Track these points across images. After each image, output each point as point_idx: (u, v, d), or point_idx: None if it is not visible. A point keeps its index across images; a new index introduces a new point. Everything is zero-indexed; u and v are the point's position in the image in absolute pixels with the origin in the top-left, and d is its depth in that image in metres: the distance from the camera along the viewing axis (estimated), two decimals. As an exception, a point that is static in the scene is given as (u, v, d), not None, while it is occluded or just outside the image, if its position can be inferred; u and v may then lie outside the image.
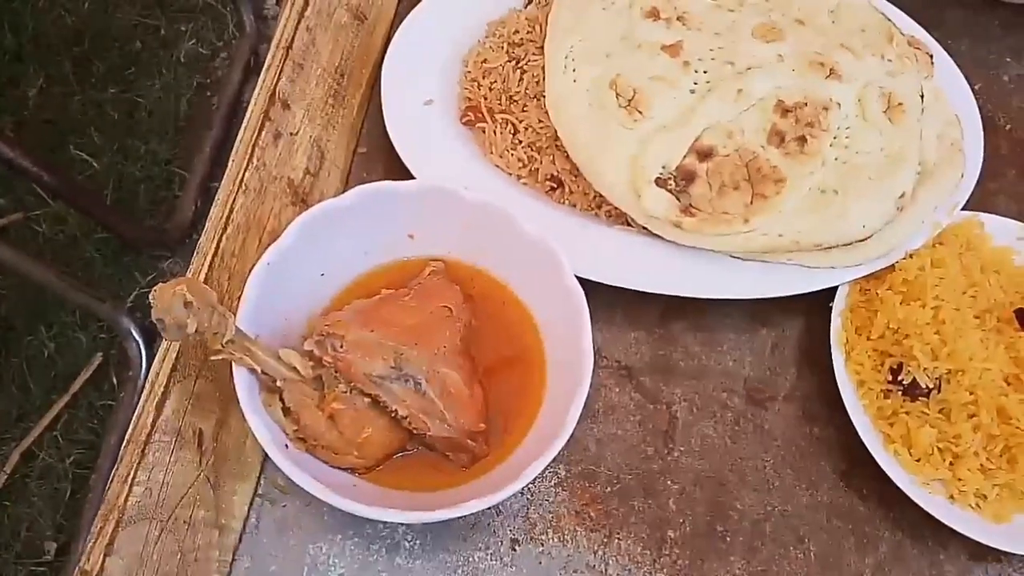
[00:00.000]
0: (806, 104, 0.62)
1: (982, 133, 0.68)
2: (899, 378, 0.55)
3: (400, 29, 0.66)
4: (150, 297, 0.38)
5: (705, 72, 0.63)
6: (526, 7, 0.69)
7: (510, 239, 0.55)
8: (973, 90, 0.74)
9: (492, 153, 0.64)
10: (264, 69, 0.60)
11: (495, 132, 0.64)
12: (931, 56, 0.68)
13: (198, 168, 1.47)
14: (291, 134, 0.60)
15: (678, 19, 0.65)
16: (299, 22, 0.62)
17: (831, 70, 0.63)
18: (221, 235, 0.51)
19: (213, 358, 0.40)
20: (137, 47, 1.64)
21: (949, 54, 0.75)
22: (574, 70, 0.62)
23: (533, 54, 0.65)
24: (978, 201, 0.68)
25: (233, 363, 0.42)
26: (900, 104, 0.64)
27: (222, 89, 1.62)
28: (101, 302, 0.97)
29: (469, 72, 0.67)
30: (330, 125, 0.63)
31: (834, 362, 0.56)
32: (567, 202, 0.63)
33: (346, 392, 0.43)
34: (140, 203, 1.51)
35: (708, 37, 0.64)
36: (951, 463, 0.53)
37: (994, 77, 0.76)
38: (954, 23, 0.78)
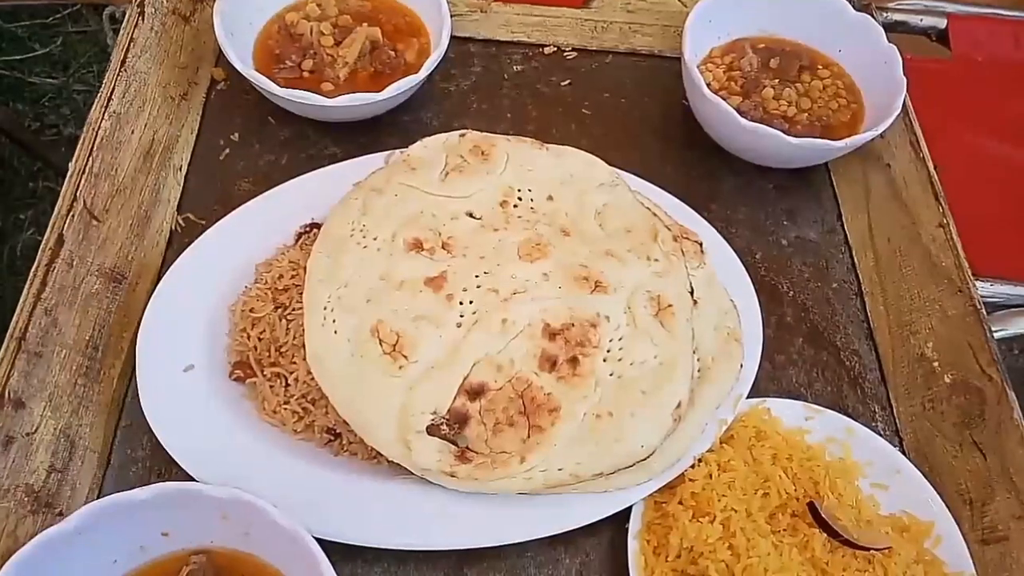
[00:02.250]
0: (573, 324, 0.61)
1: (760, 314, 0.69)
2: (695, 609, 0.53)
3: (159, 287, 0.63)
4: None
5: (471, 303, 0.62)
6: (294, 246, 0.68)
7: (266, 528, 0.51)
8: (755, 258, 0.77)
9: (265, 410, 0.61)
10: (-7, 368, 0.56)
11: (267, 387, 0.62)
12: (700, 244, 0.70)
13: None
14: (26, 435, 0.55)
15: (443, 246, 0.64)
16: (35, 307, 0.58)
17: (596, 283, 0.63)
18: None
19: None
20: (-29, 244, 1.57)
21: (728, 224, 0.78)
22: (334, 321, 0.60)
23: (297, 302, 0.63)
24: (769, 376, 0.69)
25: None
26: (670, 306, 0.64)
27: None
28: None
29: (237, 323, 0.64)
30: (81, 408, 0.59)
31: (631, 592, 0.54)
32: (347, 452, 0.61)
33: None
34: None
35: (473, 262, 0.64)
36: None
37: (773, 243, 0.78)
38: (730, 192, 0.81)
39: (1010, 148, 1.13)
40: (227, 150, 0.76)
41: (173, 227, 0.71)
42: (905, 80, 0.77)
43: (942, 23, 1.19)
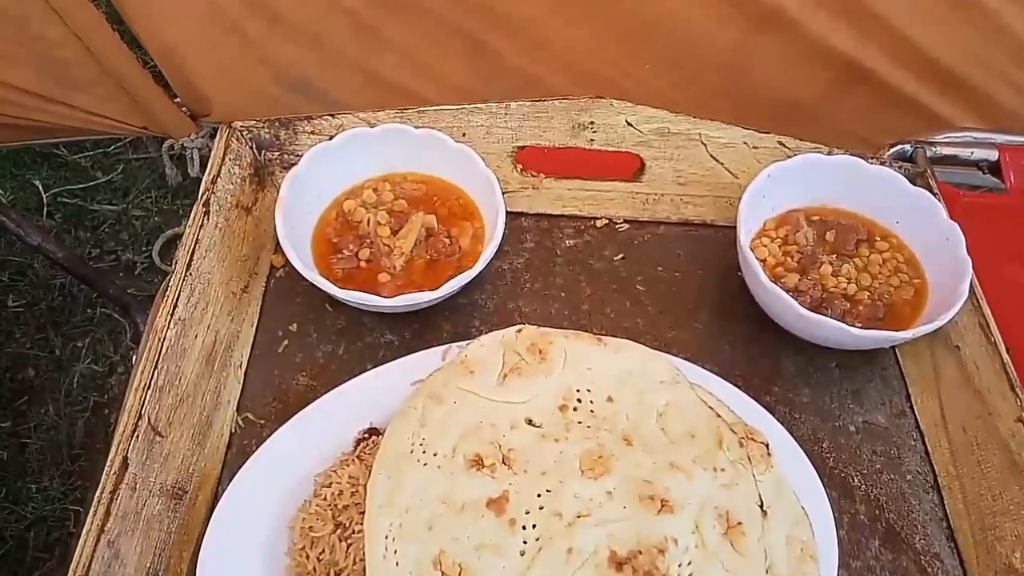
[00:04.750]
0: (640, 552, 0.59)
1: (832, 516, 0.66)
2: None
3: (217, 511, 0.63)
4: None
5: (534, 527, 0.60)
6: (352, 455, 0.67)
7: None
8: (822, 447, 0.74)
9: (323, 640, 0.60)
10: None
11: (325, 614, 0.60)
12: (767, 445, 0.68)
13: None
14: None
15: (503, 461, 0.63)
16: (98, 540, 0.58)
17: (663, 501, 0.61)
18: None
19: None
20: (31, 374, 1.61)
21: (791, 408, 0.76)
22: (395, 552, 0.59)
23: (358, 523, 0.63)
24: (846, 586, 0.66)
25: None
26: (739, 524, 0.62)
27: (120, 406, 1.58)
28: None
29: (296, 542, 0.64)
30: (140, 642, 0.58)
31: None
32: None
33: None
34: (31, 550, 1.42)
35: (535, 479, 0.62)
36: None
37: (840, 429, 0.75)
38: (792, 372, 0.79)
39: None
40: (285, 341, 0.77)
41: (232, 429, 0.71)
42: (970, 260, 0.76)
43: (993, 155, 1.16)
